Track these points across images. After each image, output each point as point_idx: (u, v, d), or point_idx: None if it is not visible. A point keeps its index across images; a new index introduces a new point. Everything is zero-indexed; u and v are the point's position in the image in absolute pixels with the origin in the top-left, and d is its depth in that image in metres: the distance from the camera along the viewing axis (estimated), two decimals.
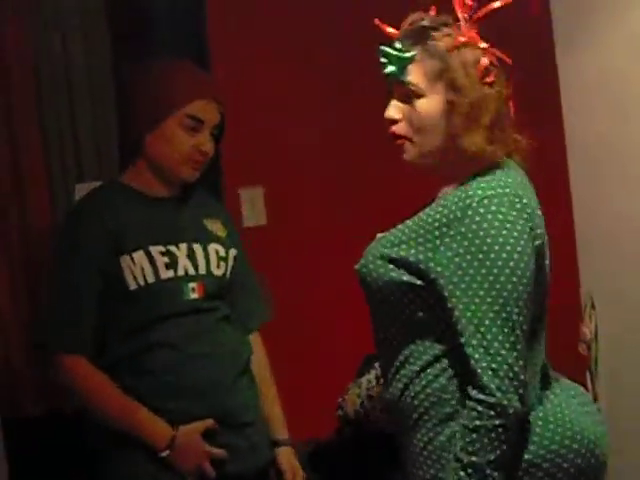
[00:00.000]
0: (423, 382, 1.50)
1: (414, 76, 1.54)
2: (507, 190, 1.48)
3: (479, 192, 1.47)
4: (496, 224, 1.42)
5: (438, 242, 1.47)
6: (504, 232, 1.42)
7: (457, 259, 1.43)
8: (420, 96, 1.55)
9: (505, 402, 1.36)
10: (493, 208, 1.45)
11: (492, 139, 1.51)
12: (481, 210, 1.45)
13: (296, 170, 2.60)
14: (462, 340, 1.40)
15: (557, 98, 2.56)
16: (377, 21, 1.62)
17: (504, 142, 1.54)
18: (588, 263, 2.56)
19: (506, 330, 1.37)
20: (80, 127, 3.01)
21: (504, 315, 1.37)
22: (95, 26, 2.91)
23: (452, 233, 1.46)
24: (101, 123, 2.95)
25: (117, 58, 2.83)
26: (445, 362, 1.50)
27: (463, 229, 1.44)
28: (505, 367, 1.36)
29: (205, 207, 2.18)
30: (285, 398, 2.26)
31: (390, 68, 1.55)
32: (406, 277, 1.50)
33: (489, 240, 1.42)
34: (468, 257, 1.42)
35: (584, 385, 2.39)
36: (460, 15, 1.57)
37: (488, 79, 1.54)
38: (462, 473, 1.39)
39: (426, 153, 1.57)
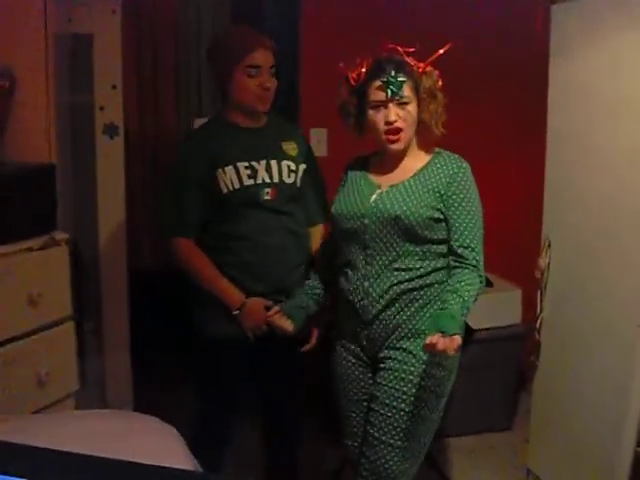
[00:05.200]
0: (420, 280, 2.14)
1: (406, 91, 2.15)
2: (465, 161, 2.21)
3: (459, 162, 2.17)
4: (473, 183, 2.17)
5: (446, 193, 2.14)
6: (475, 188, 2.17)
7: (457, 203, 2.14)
8: (409, 103, 2.16)
9: (482, 273, 2.15)
10: (469, 173, 2.17)
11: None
12: (466, 174, 2.16)
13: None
14: (457, 244, 2.13)
15: (545, 96, 2.89)
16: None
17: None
18: (550, 215, 2.97)
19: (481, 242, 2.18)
20: (203, 77, 3.46)
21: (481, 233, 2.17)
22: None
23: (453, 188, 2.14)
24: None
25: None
26: (433, 264, 2.16)
27: (460, 185, 2.15)
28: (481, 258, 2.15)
29: (283, 132, 2.54)
30: None
31: (392, 89, 2.12)
32: (436, 214, 2.14)
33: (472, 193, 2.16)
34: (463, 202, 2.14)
35: (535, 300, 3.01)
36: (409, 59, 2.17)
37: (440, 91, 2.19)
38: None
39: (409, 139, 2.20)
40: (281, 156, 2.48)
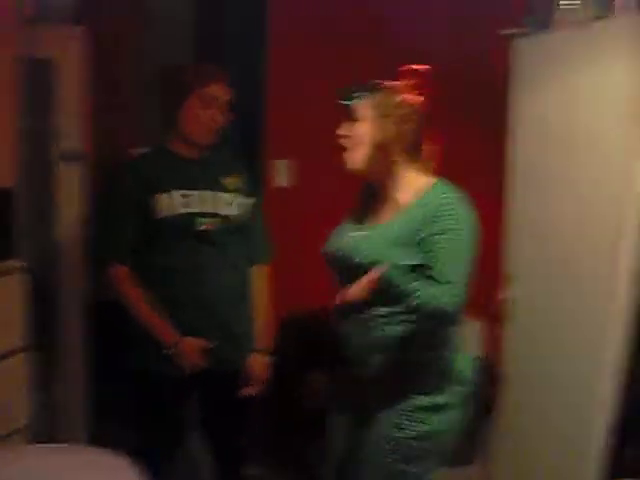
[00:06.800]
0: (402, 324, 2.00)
1: (359, 108, 2.01)
2: None
3: (447, 197, 1.98)
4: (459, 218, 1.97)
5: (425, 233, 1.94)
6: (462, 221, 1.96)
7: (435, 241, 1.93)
8: (360, 122, 2.01)
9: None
10: (456, 206, 1.98)
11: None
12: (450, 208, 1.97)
13: (311, 151, 3.06)
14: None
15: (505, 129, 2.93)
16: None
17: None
18: (512, 248, 3.00)
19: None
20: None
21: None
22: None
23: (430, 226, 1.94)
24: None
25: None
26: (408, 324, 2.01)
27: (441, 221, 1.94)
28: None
29: (225, 167, 2.51)
30: None
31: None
32: (410, 259, 1.94)
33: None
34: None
35: (495, 333, 3.06)
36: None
37: (398, 111, 1.99)
38: None
39: (363, 160, 2.03)
40: (217, 188, 2.45)
